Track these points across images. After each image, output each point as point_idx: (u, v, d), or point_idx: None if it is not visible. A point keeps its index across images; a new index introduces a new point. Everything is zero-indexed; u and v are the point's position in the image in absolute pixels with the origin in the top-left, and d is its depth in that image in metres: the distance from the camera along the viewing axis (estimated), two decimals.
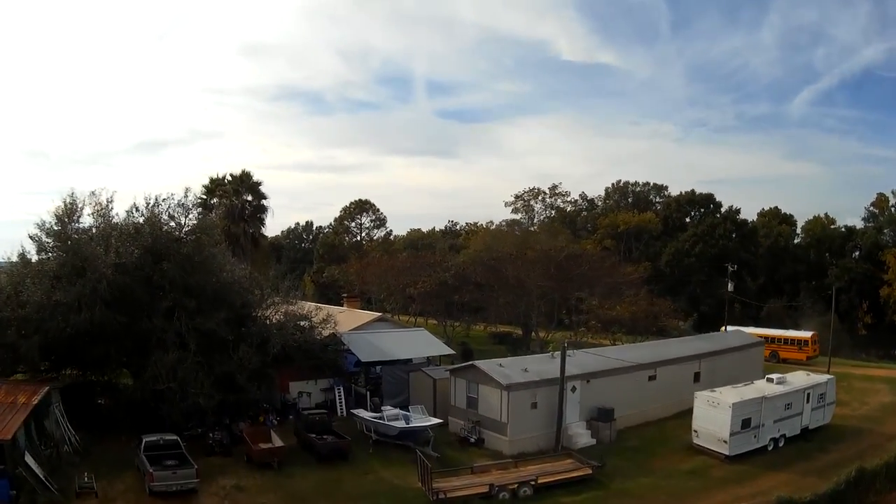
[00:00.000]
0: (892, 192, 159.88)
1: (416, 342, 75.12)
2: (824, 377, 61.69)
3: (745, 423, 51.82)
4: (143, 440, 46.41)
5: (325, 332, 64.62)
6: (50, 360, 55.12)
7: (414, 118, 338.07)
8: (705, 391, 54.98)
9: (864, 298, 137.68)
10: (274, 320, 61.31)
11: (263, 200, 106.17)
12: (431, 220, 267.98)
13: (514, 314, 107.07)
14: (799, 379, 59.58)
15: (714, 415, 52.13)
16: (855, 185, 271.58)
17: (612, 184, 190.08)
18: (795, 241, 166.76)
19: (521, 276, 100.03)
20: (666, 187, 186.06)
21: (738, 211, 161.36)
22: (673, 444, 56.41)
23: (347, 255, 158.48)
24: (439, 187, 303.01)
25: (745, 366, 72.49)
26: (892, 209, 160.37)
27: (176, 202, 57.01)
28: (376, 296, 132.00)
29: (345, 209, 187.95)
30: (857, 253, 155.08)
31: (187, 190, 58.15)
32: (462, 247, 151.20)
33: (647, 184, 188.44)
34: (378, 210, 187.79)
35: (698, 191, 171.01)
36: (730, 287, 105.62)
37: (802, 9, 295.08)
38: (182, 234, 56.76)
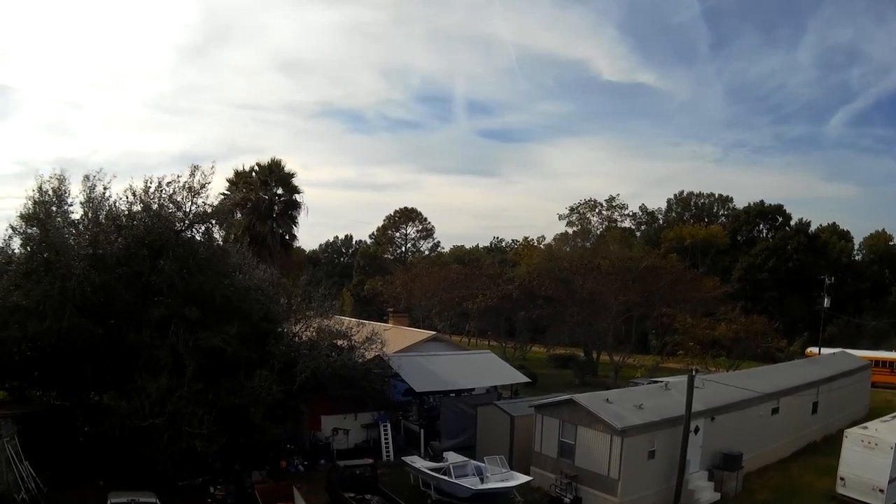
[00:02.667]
0: None
1: (481, 367, 62.44)
2: None
3: None
4: (109, 501, 34.76)
5: (369, 354, 52.66)
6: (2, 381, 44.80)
7: (454, 137, 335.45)
8: (856, 429, 45.81)
9: None
10: (304, 338, 49.43)
11: (296, 195, 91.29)
12: (472, 239, 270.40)
13: (587, 333, 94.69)
14: None
15: (869, 458, 43.08)
16: (891, 205, 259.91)
17: (675, 195, 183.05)
18: (857, 258, 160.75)
19: (599, 289, 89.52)
20: (731, 199, 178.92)
21: (808, 224, 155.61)
22: (809, 495, 46.67)
23: (391, 267, 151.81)
24: (479, 207, 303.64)
25: (857, 392, 67.64)
26: None
27: (181, 184, 44.15)
28: (425, 312, 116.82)
29: (388, 218, 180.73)
30: None
31: (195, 168, 44.73)
32: (514, 262, 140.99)
33: (712, 195, 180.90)
34: (425, 219, 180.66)
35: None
36: (826, 303, 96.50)
37: (838, 28, 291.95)
38: (186, 222, 44.38)
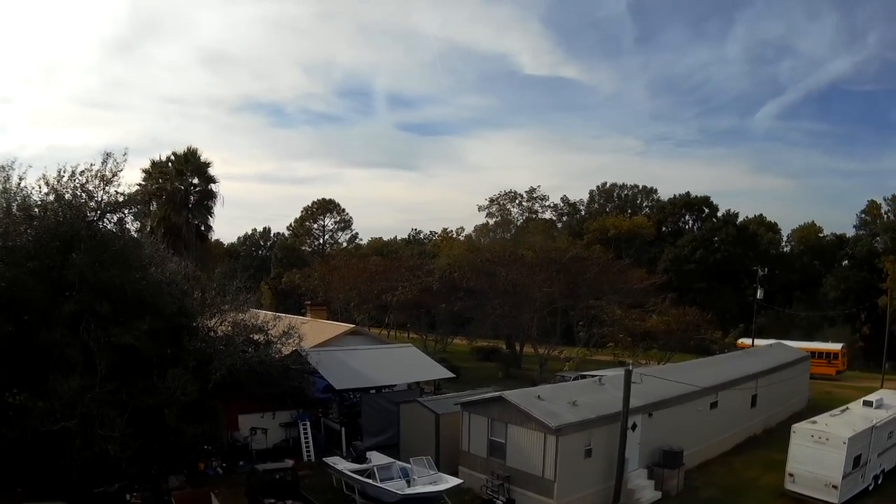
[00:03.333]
0: (885, 199, 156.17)
1: (403, 362, 59.62)
2: None
3: (856, 462, 42.17)
4: None
5: (287, 350, 49.74)
6: None
7: (375, 131, 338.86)
8: (804, 424, 44.40)
9: (863, 308, 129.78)
10: (220, 333, 46.37)
11: (212, 185, 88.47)
12: (392, 232, 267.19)
13: (511, 326, 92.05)
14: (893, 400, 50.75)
15: (821, 454, 41.70)
16: (820, 197, 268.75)
17: (598, 186, 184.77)
18: (785, 250, 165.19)
19: (523, 280, 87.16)
20: (655, 190, 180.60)
21: (736, 215, 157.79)
22: (756, 492, 45.21)
23: (309, 259, 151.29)
24: (400, 200, 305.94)
25: (796, 385, 67.07)
26: (886, 216, 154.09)
27: (94, 173, 40.80)
28: (344, 304, 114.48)
29: (306, 209, 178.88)
30: (845, 262, 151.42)
31: (107, 156, 41.45)
32: (434, 254, 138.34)
33: (636, 186, 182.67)
34: (343, 210, 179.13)
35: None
36: (759, 294, 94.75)
37: (769, 22, 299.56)
38: (98, 212, 41.11)
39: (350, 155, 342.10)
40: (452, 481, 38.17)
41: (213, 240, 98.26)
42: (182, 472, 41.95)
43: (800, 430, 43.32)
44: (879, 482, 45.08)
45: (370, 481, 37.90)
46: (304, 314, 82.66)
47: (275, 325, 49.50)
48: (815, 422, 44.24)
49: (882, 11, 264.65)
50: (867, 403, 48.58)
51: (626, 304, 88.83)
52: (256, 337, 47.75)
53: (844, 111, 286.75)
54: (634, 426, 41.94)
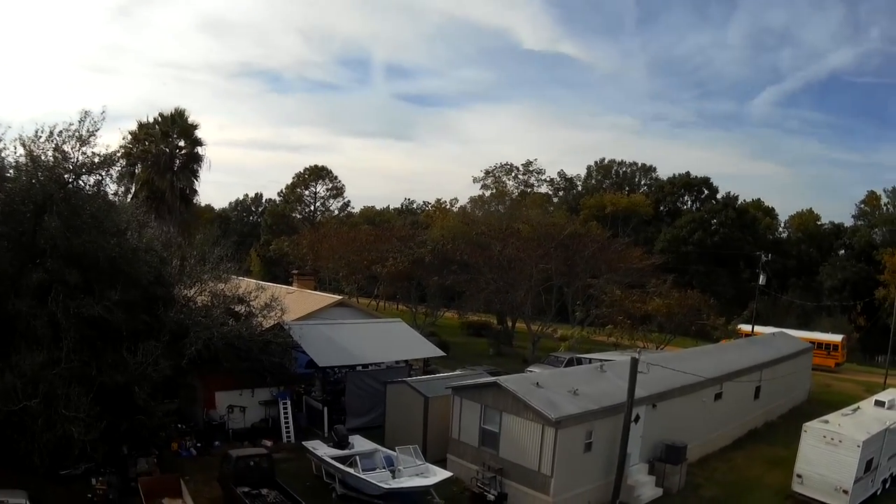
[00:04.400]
0: (885, 191, 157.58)
1: (391, 339, 56.60)
2: None
3: (868, 466, 39.85)
4: None
5: (268, 323, 46.90)
6: None
7: (372, 100, 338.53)
8: (814, 423, 41.74)
9: (859, 299, 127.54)
10: (200, 303, 44.11)
11: (199, 148, 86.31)
12: (385, 202, 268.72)
13: (504, 301, 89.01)
14: None
15: (833, 456, 39.50)
16: (815, 186, 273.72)
17: (595, 162, 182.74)
18: (783, 236, 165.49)
19: (518, 255, 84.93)
20: (654, 168, 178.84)
21: (735, 198, 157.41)
22: (762, 491, 42.91)
23: (299, 226, 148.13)
24: (394, 170, 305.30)
25: (799, 377, 64.74)
26: (885, 207, 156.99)
27: (70, 132, 37.28)
28: (332, 274, 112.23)
29: (298, 175, 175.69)
30: (842, 251, 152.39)
31: (85, 114, 37.91)
32: (426, 225, 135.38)
33: (634, 163, 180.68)
34: (336, 178, 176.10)
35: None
36: (762, 280, 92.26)
37: (773, 10, 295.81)
38: (73, 174, 37.71)
39: (346, 124, 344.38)
40: (441, 474, 35.33)
41: (202, 205, 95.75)
42: (153, 453, 38.94)
43: (811, 429, 41.05)
44: (888, 486, 43.01)
45: (352, 471, 35.02)
46: (291, 284, 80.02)
47: (257, 296, 47.03)
48: (827, 421, 41.90)
49: (885, 6, 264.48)
50: (879, 403, 46.47)
51: (624, 284, 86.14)
52: (238, 308, 45.37)
53: (843, 102, 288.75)
54: (637, 418, 39.14)
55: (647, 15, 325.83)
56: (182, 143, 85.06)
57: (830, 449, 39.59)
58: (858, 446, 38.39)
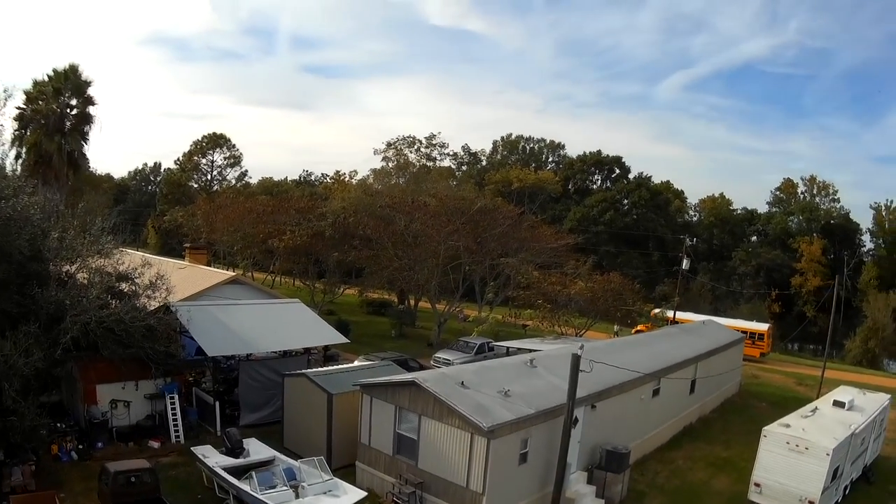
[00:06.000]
0: (802, 179, 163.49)
1: (290, 323, 50.37)
2: (883, 397, 48.28)
3: (835, 474, 36.49)
4: None
5: (153, 304, 41.14)
6: None
7: (275, 70, 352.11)
8: (774, 426, 38.19)
9: (773, 286, 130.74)
10: (81, 280, 38.80)
11: (90, 107, 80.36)
12: (284, 173, 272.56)
13: (408, 279, 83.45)
14: (865, 402, 45.80)
15: (797, 464, 36.13)
16: (721, 171, 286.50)
17: (502, 137, 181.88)
18: (694, 219, 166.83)
19: (426, 230, 79.99)
20: (562, 145, 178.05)
21: (649, 178, 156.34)
22: (712, 500, 39.64)
23: (196, 196, 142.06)
24: (294, 142, 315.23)
25: (728, 368, 60.06)
26: (802, 196, 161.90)
27: None
28: (227, 247, 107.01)
29: (196, 143, 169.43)
30: (754, 237, 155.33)
31: None
32: (325, 196, 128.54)
33: (542, 140, 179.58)
34: (234, 146, 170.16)
35: None
36: (685, 265, 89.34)
37: None
38: None
39: (248, 93, 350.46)
40: (354, 494, 29.74)
41: (101, 174, 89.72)
42: (30, 459, 33.11)
43: (772, 434, 37.53)
44: (847, 492, 40.01)
45: (247, 489, 29.24)
46: (184, 258, 73.62)
47: (142, 273, 41.32)
48: (788, 425, 38.32)
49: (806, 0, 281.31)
50: (838, 404, 43.20)
51: (537, 263, 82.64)
52: (123, 287, 39.74)
53: (755, 91, 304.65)
54: (576, 421, 34.01)
55: None
56: (74, 102, 79.60)
57: (794, 456, 36.28)
58: (828, 454, 35.06)
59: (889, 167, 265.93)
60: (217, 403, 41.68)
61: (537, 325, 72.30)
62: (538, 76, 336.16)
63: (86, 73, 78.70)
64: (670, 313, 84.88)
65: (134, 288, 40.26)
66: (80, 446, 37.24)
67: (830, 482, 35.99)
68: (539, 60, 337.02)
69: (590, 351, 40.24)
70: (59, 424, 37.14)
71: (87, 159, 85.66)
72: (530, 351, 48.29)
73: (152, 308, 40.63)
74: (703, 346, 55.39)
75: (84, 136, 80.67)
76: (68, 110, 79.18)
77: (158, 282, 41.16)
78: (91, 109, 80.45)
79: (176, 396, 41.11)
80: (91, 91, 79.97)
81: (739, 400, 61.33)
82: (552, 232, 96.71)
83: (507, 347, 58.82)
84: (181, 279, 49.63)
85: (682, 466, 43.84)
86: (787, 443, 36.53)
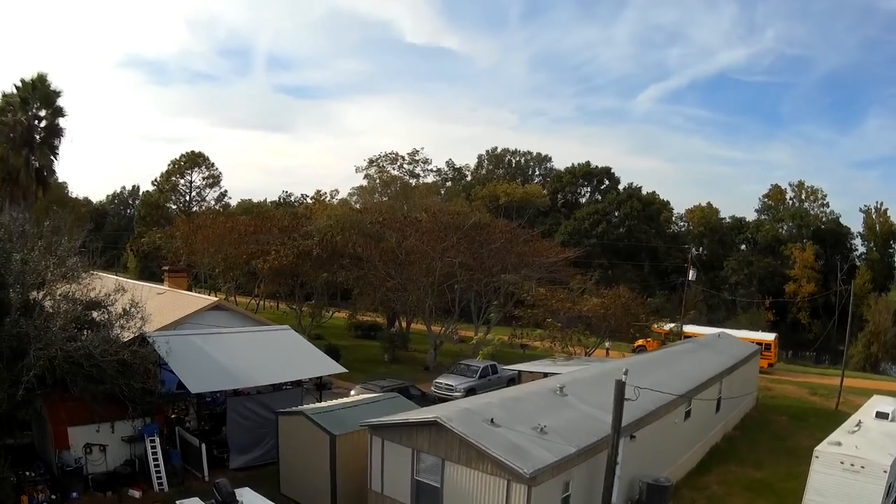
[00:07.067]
0: (790, 185, 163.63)
1: (280, 352, 45.66)
2: None
3: (888, 491, 32.93)
4: None
5: (129, 334, 36.20)
6: None
7: (252, 92, 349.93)
8: (827, 446, 34.73)
9: (767, 294, 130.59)
10: (49, 308, 34.07)
11: (60, 119, 76.47)
12: (263, 195, 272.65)
13: (402, 300, 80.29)
14: None
15: (853, 484, 32.92)
16: (700, 182, 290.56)
17: (487, 151, 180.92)
18: (683, 229, 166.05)
19: (421, 247, 76.61)
20: (549, 158, 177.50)
21: (639, 189, 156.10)
22: None
23: (175, 218, 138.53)
24: (272, 164, 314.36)
25: (749, 383, 59.56)
26: (791, 202, 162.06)
27: None
28: (209, 270, 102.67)
29: (173, 162, 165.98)
30: (743, 246, 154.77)
31: None
32: (306, 216, 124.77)
33: (529, 153, 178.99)
34: (212, 165, 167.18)
35: None
36: (691, 276, 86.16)
37: (663, 8, 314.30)
38: None
39: (225, 115, 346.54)
40: None
41: (78, 196, 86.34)
42: None
43: (825, 454, 34.05)
44: None
45: None
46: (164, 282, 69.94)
47: (115, 300, 37.01)
48: (839, 443, 34.98)
49: (784, 8, 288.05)
50: (881, 415, 40.09)
51: (537, 279, 78.79)
52: (94, 315, 35.62)
53: (732, 100, 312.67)
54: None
55: (532, 9, 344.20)
56: (43, 114, 75.87)
57: (850, 476, 33.14)
58: (885, 472, 32.27)
59: (867, 172, 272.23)
60: (203, 446, 37.46)
61: (548, 346, 68.40)
62: (514, 92, 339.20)
63: (55, 83, 75.74)
64: (692, 328, 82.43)
65: (107, 316, 36.07)
66: (53, 496, 33.23)
67: (884, 501, 32.86)
68: (514, 76, 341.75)
69: (613, 373, 36.80)
70: (28, 473, 33.30)
71: (56, 175, 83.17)
72: (544, 375, 45.59)
73: (127, 339, 36.03)
74: (726, 361, 52.67)
75: (54, 151, 77.04)
76: (36, 122, 75.41)
77: (133, 309, 36.76)
78: (61, 121, 76.75)
79: (157, 439, 36.76)
80: (61, 102, 76.17)
81: (758, 415, 58.62)
82: (550, 245, 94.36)
83: (519, 371, 55.94)
84: (159, 305, 46.92)
85: (718, 493, 40.62)
86: (842, 462, 33.54)
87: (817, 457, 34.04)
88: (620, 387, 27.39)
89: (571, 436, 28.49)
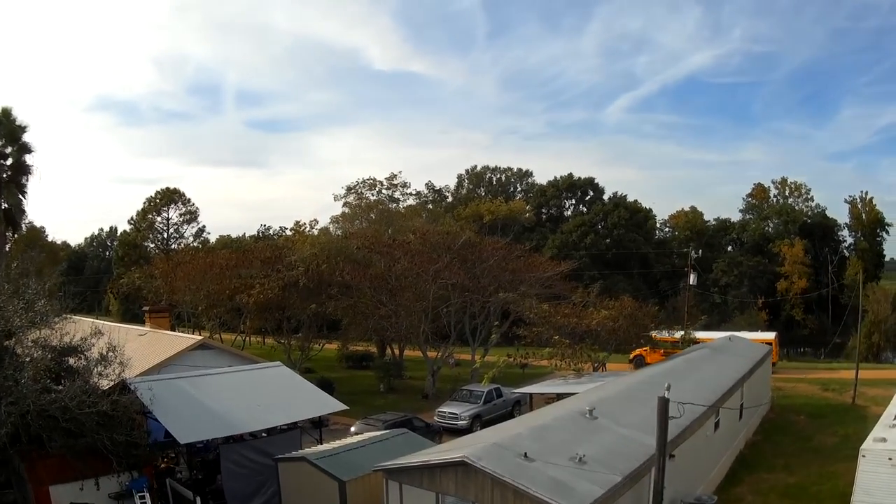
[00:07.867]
0: (773, 183, 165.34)
1: (274, 391, 42.50)
2: None
3: None
4: None
5: (108, 382, 33.81)
6: None
7: (223, 128, 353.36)
8: (871, 443, 31.90)
9: (759, 293, 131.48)
10: (23, 356, 31.89)
11: (27, 155, 73.16)
12: (241, 231, 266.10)
13: (395, 326, 76.91)
14: None
15: None
16: (679, 188, 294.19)
17: (467, 170, 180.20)
18: (668, 236, 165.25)
19: (413, 270, 74.45)
20: (531, 173, 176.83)
21: (624, 197, 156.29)
22: None
23: (154, 256, 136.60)
24: (248, 199, 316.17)
25: (765, 385, 59.43)
26: (776, 199, 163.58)
27: None
28: (191, 308, 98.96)
29: (149, 200, 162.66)
30: (730, 247, 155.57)
31: None
32: (284, 247, 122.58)
33: (510, 169, 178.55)
34: (189, 201, 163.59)
35: None
36: (692, 280, 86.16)
37: (628, 16, 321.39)
38: None
39: (198, 153, 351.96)
40: None
41: (58, 241, 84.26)
42: None
43: (872, 452, 31.29)
44: None
45: None
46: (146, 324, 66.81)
47: (92, 344, 34.36)
48: (884, 439, 32.40)
49: (748, 6, 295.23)
50: None
51: (535, 295, 76.20)
52: (71, 362, 33.16)
53: (701, 103, 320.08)
54: None
55: (498, 28, 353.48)
56: (8, 151, 72.87)
57: None
58: None
59: (842, 163, 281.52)
60: (198, 499, 34.19)
61: (556, 363, 65.06)
62: (485, 112, 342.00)
63: (20, 117, 72.66)
64: (698, 334, 79.35)
65: (84, 363, 33.51)
66: None
67: None
68: (484, 96, 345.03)
69: (639, 388, 35.20)
70: None
71: (26, 214, 79.85)
72: (558, 396, 45.58)
73: (106, 387, 33.55)
74: (744, 364, 51.69)
75: (22, 189, 73.60)
76: (2, 160, 72.52)
77: (110, 354, 33.96)
78: (28, 158, 73.49)
79: (146, 494, 33.72)
80: (27, 137, 73.18)
81: (775, 416, 57.53)
82: (545, 260, 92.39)
83: (530, 394, 53.32)
84: (141, 347, 45.53)
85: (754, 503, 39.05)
86: (890, 459, 30.71)
87: (864, 455, 31.26)
88: (664, 404, 24.76)
89: (613, 462, 25.96)
